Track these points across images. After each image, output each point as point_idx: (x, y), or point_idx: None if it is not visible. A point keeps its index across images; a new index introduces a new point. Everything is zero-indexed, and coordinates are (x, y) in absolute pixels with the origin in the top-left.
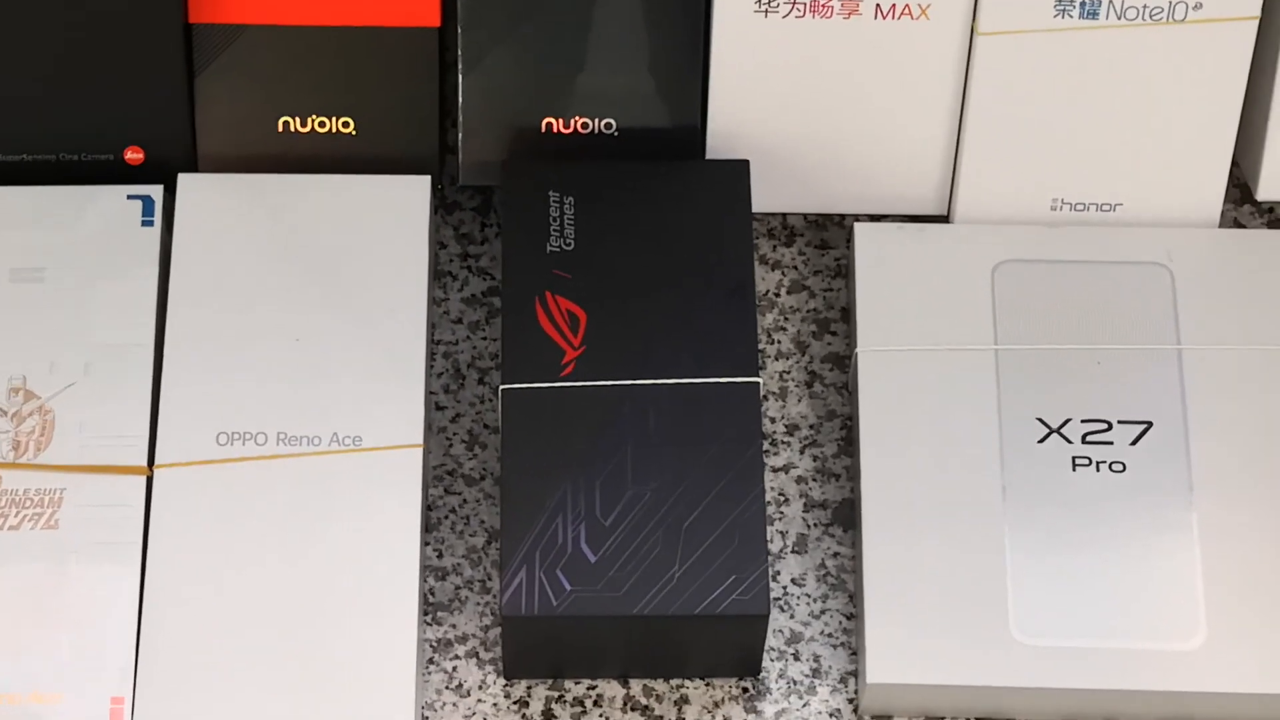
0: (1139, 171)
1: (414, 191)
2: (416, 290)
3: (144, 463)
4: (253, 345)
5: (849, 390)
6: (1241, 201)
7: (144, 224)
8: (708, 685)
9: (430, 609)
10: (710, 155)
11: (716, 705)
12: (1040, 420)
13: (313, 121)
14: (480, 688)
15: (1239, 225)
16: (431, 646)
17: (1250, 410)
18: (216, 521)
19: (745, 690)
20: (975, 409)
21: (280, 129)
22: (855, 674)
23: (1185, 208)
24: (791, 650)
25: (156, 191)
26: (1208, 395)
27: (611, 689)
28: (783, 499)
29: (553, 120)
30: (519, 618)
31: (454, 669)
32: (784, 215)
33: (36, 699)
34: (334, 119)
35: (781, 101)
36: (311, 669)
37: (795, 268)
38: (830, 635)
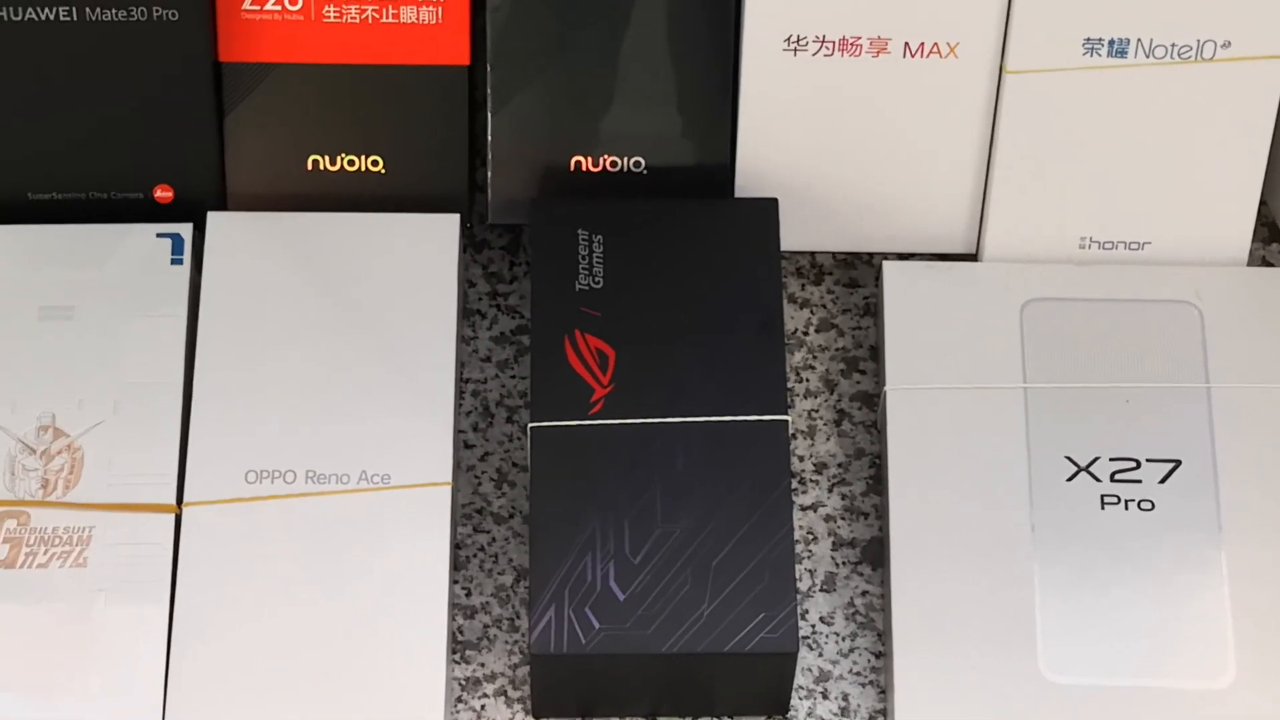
0: (1167, 210)
1: (443, 230)
2: (445, 328)
3: (173, 501)
4: (281, 383)
5: (877, 429)
6: (1270, 240)
7: (173, 262)
8: None
9: (459, 647)
10: (739, 194)
11: None
12: (1069, 458)
13: (342, 160)
14: None
15: (1267, 264)
16: (460, 685)
17: (1279, 448)
18: (245, 560)
19: None
20: (1004, 447)
21: (309, 167)
22: (884, 713)
23: (1214, 246)
24: (820, 689)
25: (186, 230)
26: (1237, 433)
27: None
28: (811, 537)
29: (581, 158)
30: (548, 656)
31: (482, 707)
32: (812, 254)
33: None
34: (363, 157)
35: (810, 140)
36: (340, 707)
37: (824, 306)
38: (859, 674)
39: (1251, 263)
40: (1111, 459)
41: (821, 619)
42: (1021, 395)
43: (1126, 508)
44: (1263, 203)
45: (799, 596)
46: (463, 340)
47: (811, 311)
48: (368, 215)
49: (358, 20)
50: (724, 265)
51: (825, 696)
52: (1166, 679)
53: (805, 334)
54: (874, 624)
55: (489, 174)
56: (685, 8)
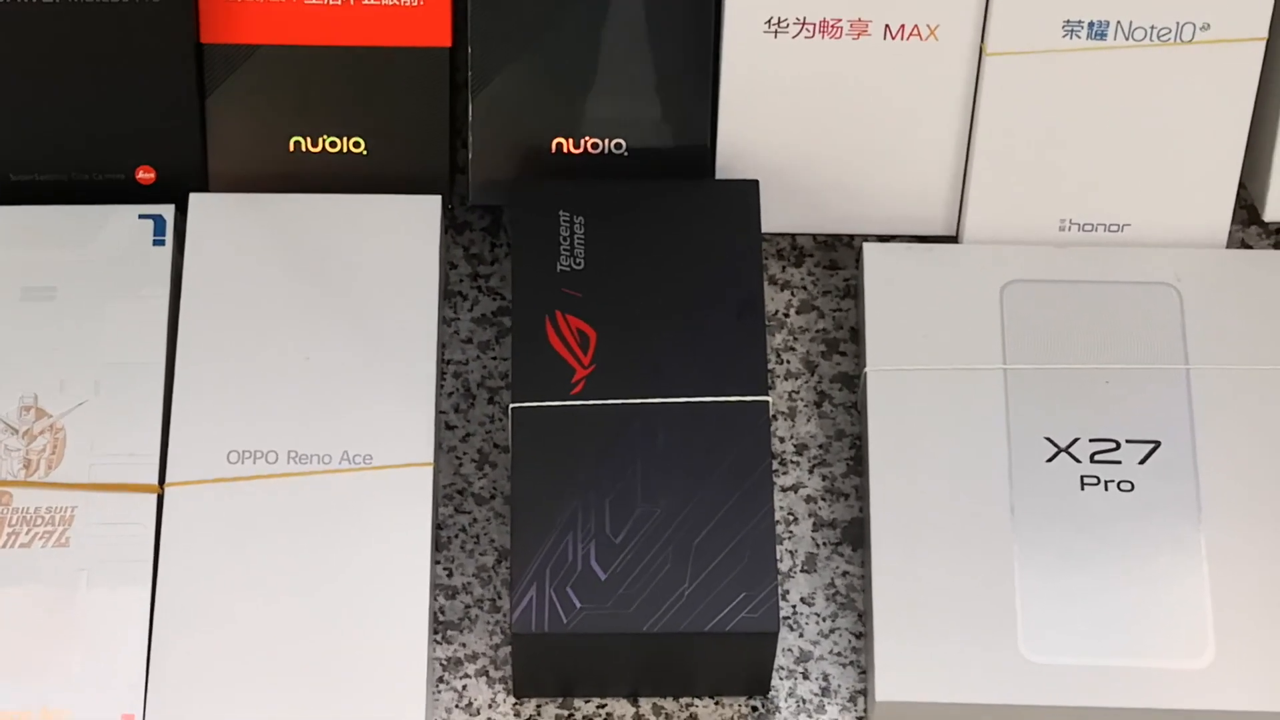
0: (1147, 192)
1: (425, 211)
2: (427, 309)
3: (155, 481)
4: (263, 364)
5: (858, 410)
6: (1249, 222)
7: (155, 243)
8: (717, 704)
9: (440, 627)
10: (720, 175)
11: None
12: (1049, 439)
13: (324, 141)
14: (490, 706)
15: (1246, 246)
16: (441, 665)
17: (1258, 429)
18: (227, 540)
19: (754, 709)
20: (984, 428)
21: (291, 149)
22: (864, 692)
23: (1193, 228)
24: (801, 669)
25: (168, 211)
26: (1215, 415)
27: (621, 707)
28: (792, 518)
29: (563, 140)
30: (529, 635)
31: (464, 687)
32: (793, 235)
33: (46, 715)
34: (345, 139)
35: (791, 122)
36: (321, 687)
37: (804, 288)
38: (839, 654)
39: (1231, 245)
40: (1091, 440)
41: (802, 599)
42: (1001, 376)
43: (1106, 489)
44: (1242, 185)
45: (780, 577)
46: (444, 322)
47: (792, 293)
48: (349, 196)
49: (339, 2)
50: (705, 247)
51: (806, 677)
52: (1146, 659)
53: (786, 315)
54: (854, 604)
55: (470, 155)
56: None
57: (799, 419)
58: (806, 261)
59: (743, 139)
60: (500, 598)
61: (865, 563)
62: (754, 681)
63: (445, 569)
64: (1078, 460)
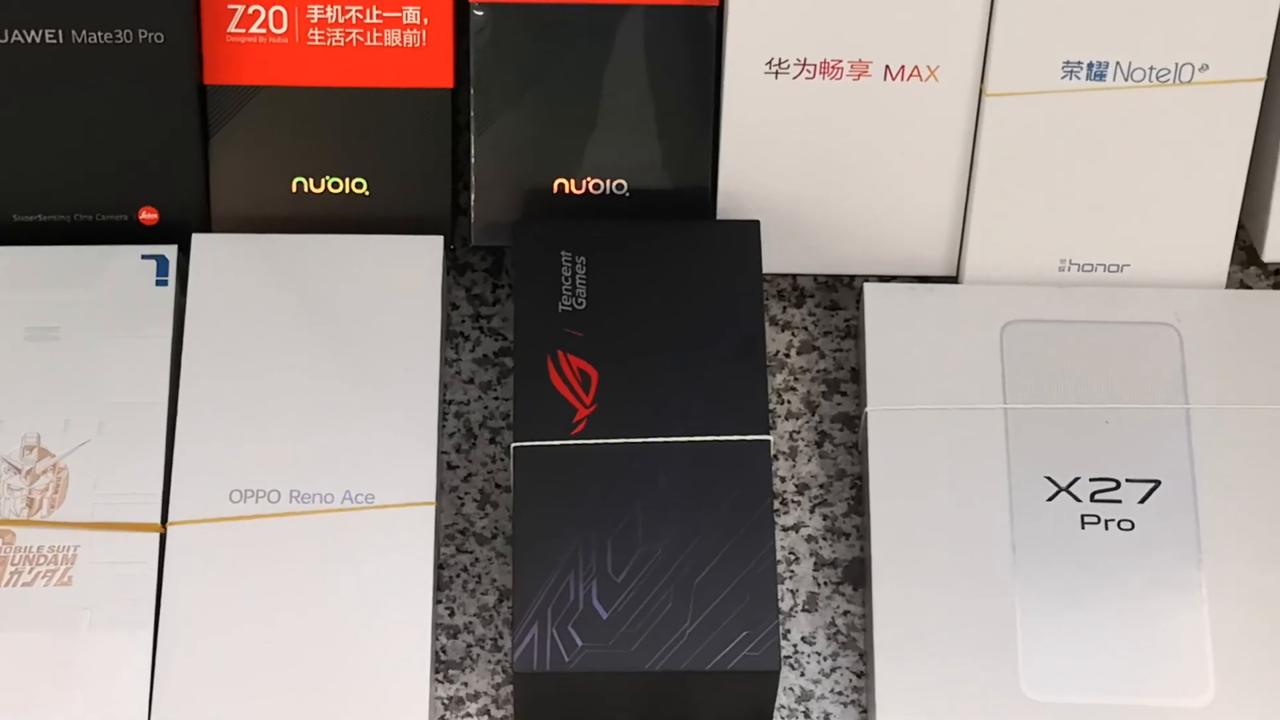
0: (1146, 232)
1: (426, 252)
2: (429, 350)
3: (157, 520)
4: (266, 404)
5: (859, 450)
6: (1248, 263)
7: (158, 284)
8: None
9: (442, 667)
10: (721, 216)
11: None
12: (1049, 479)
13: (326, 182)
14: None
15: (1245, 286)
16: (443, 704)
17: (1258, 469)
18: (229, 579)
19: None
20: (984, 468)
21: (294, 190)
22: None
23: (1192, 269)
24: (802, 708)
25: (171, 252)
26: (1215, 454)
27: None
28: (793, 558)
29: (564, 181)
30: (530, 674)
31: None
32: (794, 276)
33: None
34: (347, 180)
35: (791, 162)
36: None
37: (805, 328)
38: (840, 693)
39: (1230, 285)
40: (1091, 479)
41: (803, 638)
42: (1002, 416)
43: (1106, 527)
44: (1241, 225)
45: (781, 616)
46: (446, 362)
47: (793, 334)
48: (351, 237)
49: (342, 44)
50: (706, 287)
51: (807, 716)
52: (1146, 697)
53: (787, 356)
54: (855, 644)
55: (472, 196)
56: (667, 30)
57: (800, 459)
58: (807, 302)
59: (743, 179)
60: (502, 637)
61: (866, 602)
62: None
63: (447, 608)
64: (1078, 499)
